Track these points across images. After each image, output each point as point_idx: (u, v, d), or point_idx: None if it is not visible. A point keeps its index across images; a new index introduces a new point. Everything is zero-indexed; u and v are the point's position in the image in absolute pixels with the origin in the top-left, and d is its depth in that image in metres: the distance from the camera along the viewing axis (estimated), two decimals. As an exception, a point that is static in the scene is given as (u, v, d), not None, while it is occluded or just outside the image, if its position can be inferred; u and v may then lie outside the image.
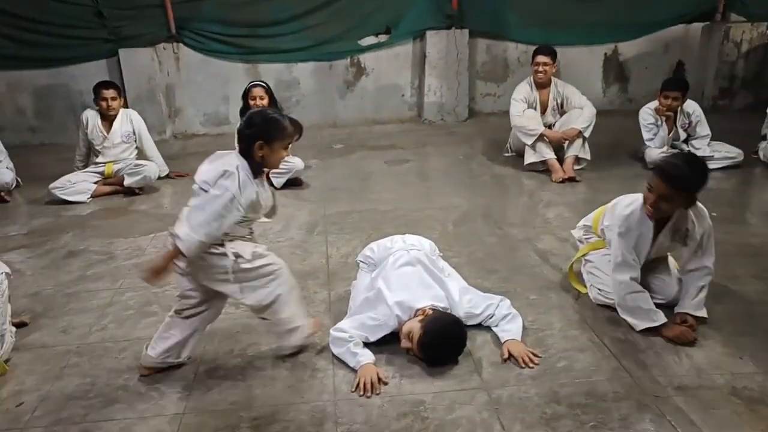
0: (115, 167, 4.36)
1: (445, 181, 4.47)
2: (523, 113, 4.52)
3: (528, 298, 2.64)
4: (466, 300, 2.38)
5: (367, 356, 2.16)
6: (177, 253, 1.94)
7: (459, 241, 3.30)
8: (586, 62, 6.40)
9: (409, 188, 4.34)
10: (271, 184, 2.43)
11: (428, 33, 6.03)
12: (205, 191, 1.95)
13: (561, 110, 4.65)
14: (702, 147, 4.46)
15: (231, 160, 1.99)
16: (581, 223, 2.84)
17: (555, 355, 2.21)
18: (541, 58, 4.54)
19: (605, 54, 6.40)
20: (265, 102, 4.29)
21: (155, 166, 4.44)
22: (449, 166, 4.83)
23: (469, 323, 2.35)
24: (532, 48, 6.40)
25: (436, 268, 2.47)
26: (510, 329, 2.29)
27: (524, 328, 2.34)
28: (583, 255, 2.70)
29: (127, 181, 4.30)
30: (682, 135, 4.55)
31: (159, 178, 4.60)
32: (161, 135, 6.01)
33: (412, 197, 4.11)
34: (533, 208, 3.88)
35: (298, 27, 5.97)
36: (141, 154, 4.56)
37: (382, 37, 6.12)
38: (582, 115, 4.46)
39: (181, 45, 5.92)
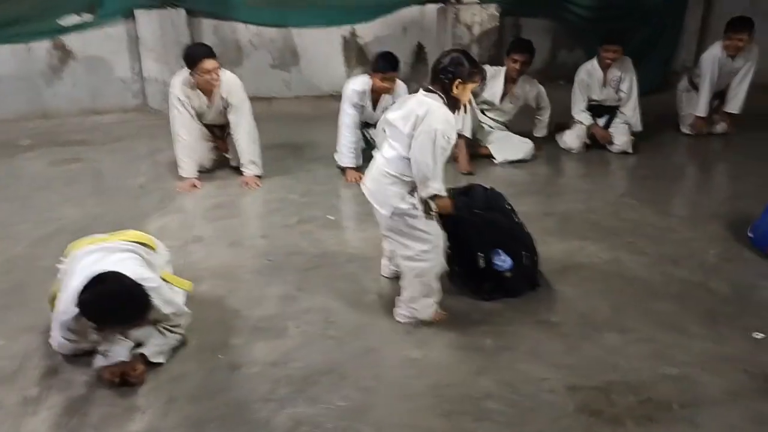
0: None
1: (93, 186, 4.02)
2: None
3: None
4: None
5: None
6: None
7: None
8: (325, 45, 6.13)
9: (42, 194, 3.84)
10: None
11: (138, 12, 5.47)
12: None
13: None
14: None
15: (422, 100, 2.22)
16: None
17: None
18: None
19: (343, 37, 6.16)
20: None
21: None
22: (117, 168, 4.36)
23: None
24: (264, 29, 6.12)
25: None
26: None
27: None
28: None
29: None
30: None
31: None
32: None
33: (27, 208, 3.62)
34: (145, 216, 3.49)
35: (-20, 5, 5.19)
36: None
37: (87, 17, 5.48)
38: None
39: None
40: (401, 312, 2.41)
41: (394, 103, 3.82)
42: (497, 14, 6.05)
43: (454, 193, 2.56)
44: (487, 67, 4.45)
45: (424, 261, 2.29)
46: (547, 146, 4.61)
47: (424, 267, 2.30)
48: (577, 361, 2.20)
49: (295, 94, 6.20)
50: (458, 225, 2.51)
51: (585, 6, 6.16)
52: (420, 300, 2.36)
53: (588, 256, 2.99)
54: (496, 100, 4.46)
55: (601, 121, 4.71)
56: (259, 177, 4.04)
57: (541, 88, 4.48)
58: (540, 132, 4.59)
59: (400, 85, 4.03)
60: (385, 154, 2.30)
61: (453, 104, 2.24)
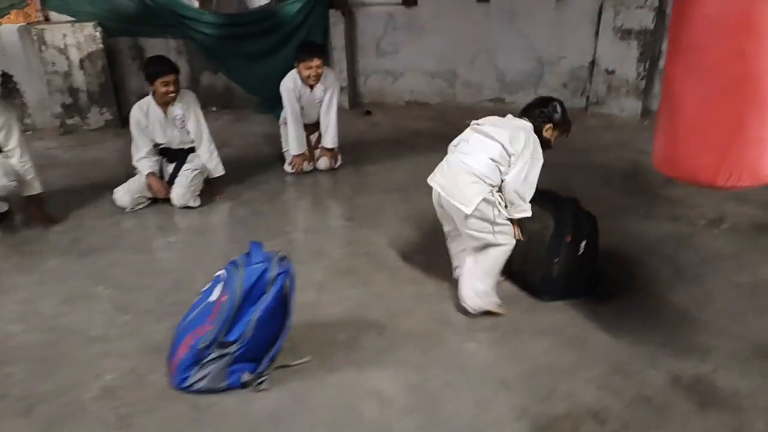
0: None
1: None
2: None
3: None
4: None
5: None
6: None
7: None
8: None
9: None
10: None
11: None
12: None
13: None
14: None
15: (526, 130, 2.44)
16: None
17: None
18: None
19: None
20: None
21: None
22: None
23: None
24: None
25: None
26: None
27: None
28: None
29: None
30: None
31: None
32: None
33: None
34: None
35: None
36: None
37: None
38: None
39: None
40: (475, 302, 2.49)
41: None
42: (98, 35, 5.02)
43: None
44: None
45: (505, 245, 2.46)
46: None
47: (505, 250, 2.47)
48: None
49: None
50: None
51: (210, 23, 5.34)
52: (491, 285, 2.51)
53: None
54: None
55: (171, 168, 3.89)
56: None
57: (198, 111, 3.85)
58: None
59: None
60: (470, 161, 2.40)
61: (542, 144, 2.46)
